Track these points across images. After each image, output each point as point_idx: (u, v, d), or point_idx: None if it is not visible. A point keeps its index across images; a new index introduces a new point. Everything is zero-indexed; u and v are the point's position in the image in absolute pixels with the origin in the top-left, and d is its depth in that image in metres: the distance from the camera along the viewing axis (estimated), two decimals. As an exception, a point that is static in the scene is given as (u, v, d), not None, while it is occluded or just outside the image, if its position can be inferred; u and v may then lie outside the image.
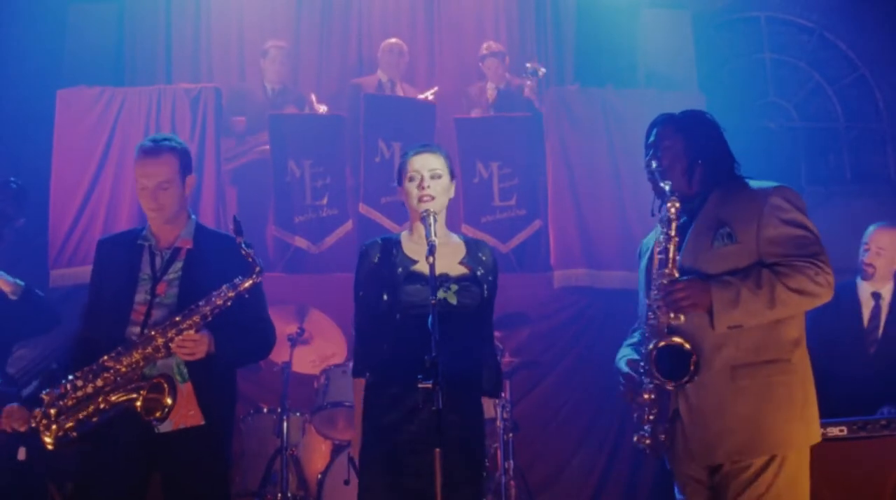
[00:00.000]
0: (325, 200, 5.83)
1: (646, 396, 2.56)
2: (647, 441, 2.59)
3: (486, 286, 2.80)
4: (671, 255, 2.52)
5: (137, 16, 6.54)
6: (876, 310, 4.24)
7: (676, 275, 2.51)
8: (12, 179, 4.24)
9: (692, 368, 2.44)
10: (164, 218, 2.94)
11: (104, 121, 5.72)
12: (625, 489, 5.53)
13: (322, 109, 6.12)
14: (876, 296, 4.28)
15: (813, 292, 2.45)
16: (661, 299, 2.51)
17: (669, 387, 2.49)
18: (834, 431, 3.36)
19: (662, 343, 2.49)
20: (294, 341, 4.61)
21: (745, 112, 7.37)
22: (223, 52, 6.70)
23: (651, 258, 2.65)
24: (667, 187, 2.55)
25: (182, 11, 6.63)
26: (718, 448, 2.48)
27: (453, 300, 2.71)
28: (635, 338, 2.76)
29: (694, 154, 2.62)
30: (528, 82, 6.18)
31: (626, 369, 2.66)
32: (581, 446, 5.57)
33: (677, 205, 2.52)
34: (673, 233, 2.52)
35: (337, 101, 6.44)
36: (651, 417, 2.57)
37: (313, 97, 6.12)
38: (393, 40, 6.47)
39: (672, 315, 2.49)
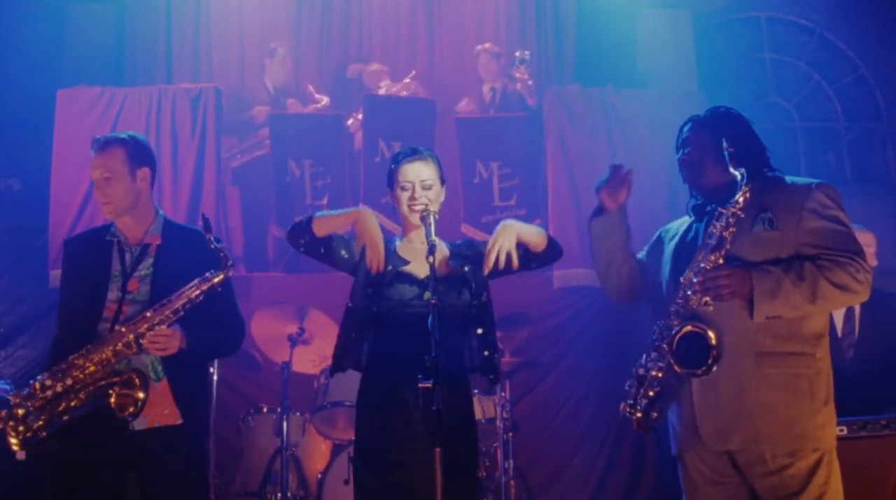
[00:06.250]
0: (325, 200, 5.84)
1: (654, 373, 2.52)
2: (638, 416, 2.55)
3: (474, 284, 2.79)
4: (725, 243, 2.47)
5: (137, 16, 6.54)
6: (849, 312, 4.14)
7: (722, 263, 2.46)
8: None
9: (710, 362, 2.40)
10: (114, 211, 2.92)
11: (104, 121, 5.72)
12: (625, 489, 5.53)
13: (324, 100, 6.13)
14: None
15: (854, 288, 2.44)
16: (699, 283, 2.46)
17: (681, 371, 2.44)
18: (834, 430, 3.35)
19: (690, 328, 2.43)
20: (294, 341, 4.61)
21: (745, 112, 7.32)
22: (223, 52, 6.70)
23: (681, 241, 2.65)
24: (739, 175, 2.49)
25: (182, 11, 6.63)
26: (735, 434, 2.45)
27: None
28: None
29: (722, 144, 2.58)
30: (519, 78, 6.15)
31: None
32: (581, 446, 5.57)
33: (748, 195, 2.47)
34: (733, 221, 2.47)
35: (337, 99, 6.43)
36: (651, 393, 2.53)
37: (311, 88, 6.12)
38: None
39: (706, 300, 2.45)
